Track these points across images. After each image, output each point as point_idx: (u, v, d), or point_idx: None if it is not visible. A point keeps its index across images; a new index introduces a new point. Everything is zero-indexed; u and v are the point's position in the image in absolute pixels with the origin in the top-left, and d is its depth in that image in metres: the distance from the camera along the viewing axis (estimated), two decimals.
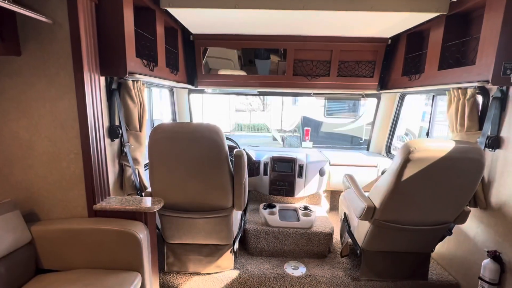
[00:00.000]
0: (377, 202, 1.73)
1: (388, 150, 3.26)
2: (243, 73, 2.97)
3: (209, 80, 2.90)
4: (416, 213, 1.71)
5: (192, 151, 1.69)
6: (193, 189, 1.79)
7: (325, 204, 3.18)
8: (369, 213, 1.76)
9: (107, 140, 1.76)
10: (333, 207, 3.32)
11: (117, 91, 1.79)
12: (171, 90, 3.05)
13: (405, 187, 1.59)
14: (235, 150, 1.81)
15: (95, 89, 1.52)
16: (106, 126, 1.74)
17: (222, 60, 3.14)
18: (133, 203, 1.59)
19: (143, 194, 1.93)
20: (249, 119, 20.59)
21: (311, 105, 8.09)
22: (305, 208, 2.71)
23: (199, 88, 2.97)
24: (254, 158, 2.98)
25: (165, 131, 1.68)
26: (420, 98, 6.11)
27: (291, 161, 2.83)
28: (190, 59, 2.76)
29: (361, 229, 1.94)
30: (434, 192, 1.61)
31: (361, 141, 8.22)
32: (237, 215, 2.14)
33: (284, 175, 2.83)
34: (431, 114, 2.40)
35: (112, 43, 1.57)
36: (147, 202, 1.62)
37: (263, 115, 19.69)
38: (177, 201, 1.84)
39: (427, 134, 2.46)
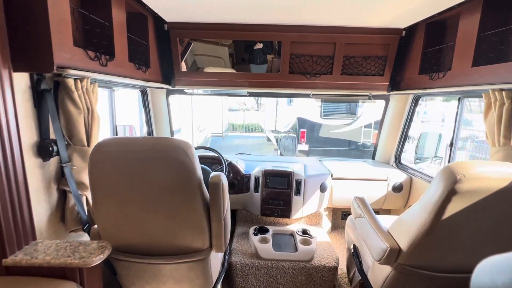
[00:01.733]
0: (403, 242, 1.29)
1: (398, 160, 2.84)
2: (231, 70, 2.51)
3: (189, 78, 2.43)
4: (459, 256, 1.27)
5: (151, 176, 1.22)
6: (155, 227, 1.32)
7: (327, 223, 2.74)
8: (391, 256, 1.32)
9: (35, 161, 1.28)
10: (336, 225, 2.88)
11: (50, 92, 1.31)
12: (143, 91, 2.57)
13: (446, 225, 1.15)
14: (211, 175, 1.34)
15: (1, 90, 1.04)
16: (31, 142, 1.26)
17: (211, 58, 2.67)
18: (63, 254, 1.11)
19: (89, 232, 1.45)
20: (243, 119, 20.13)
21: (306, 105, 7.66)
22: (304, 232, 2.26)
23: (177, 88, 2.49)
24: (243, 171, 2.52)
25: (111, 150, 1.21)
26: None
27: (287, 176, 2.38)
28: (165, 53, 2.28)
29: (378, 273, 1.50)
30: (490, 227, 1.18)
31: (359, 143, 7.83)
32: (217, 254, 1.68)
33: (278, 193, 2.38)
34: (456, 122, 1.98)
35: (29, 27, 1.09)
36: (85, 250, 1.14)
37: (257, 115, 19.27)
38: (134, 243, 1.37)
39: (451, 144, 2.04)
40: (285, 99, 9.48)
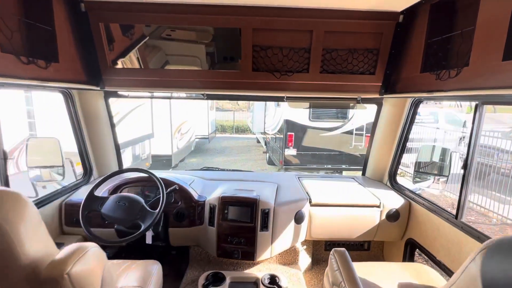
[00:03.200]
0: None
1: (392, 178, 2.31)
2: (181, 67, 1.93)
3: (124, 78, 1.85)
4: None
5: None
6: None
7: (305, 259, 2.20)
8: None
9: None
10: (317, 259, 2.34)
11: None
12: (67, 94, 1.97)
13: None
14: (49, 264, 0.78)
15: None
16: None
17: (185, 58, 2.08)
18: None
19: None
20: (233, 119, 19.54)
21: (294, 107, 7.12)
22: (272, 281, 1.72)
23: (108, 89, 1.91)
24: (196, 196, 1.95)
25: None
26: None
27: (250, 205, 1.82)
28: (85, 43, 1.70)
29: None
30: None
31: (350, 147, 7.35)
32: None
33: (239, 227, 1.82)
34: (472, 137, 1.45)
35: None
36: None
37: (248, 115, 18.71)
38: None
39: (465, 166, 1.52)
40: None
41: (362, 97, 2.09)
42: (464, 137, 8.02)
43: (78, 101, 2.07)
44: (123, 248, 2.11)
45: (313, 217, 1.99)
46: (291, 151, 7.32)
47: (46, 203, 1.82)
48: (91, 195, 1.63)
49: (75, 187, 2.08)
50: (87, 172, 2.25)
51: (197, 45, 2.04)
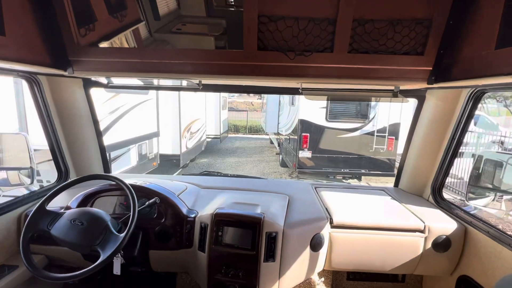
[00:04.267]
0: None
1: (437, 193, 1.80)
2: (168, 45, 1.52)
3: (95, 59, 1.46)
4: None
5: None
6: None
7: None
8: None
9: None
10: None
11: None
12: (33, 81, 1.62)
13: None
14: None
15: None
16: None
17: (195, 38, 1.69)
18: None
19: None
20: (247, 119, 19.15)
21: (310, 105, 6.63)
22: None
23: (78, 75, 1.53)
24: (185, 211, 1.54)
25: None
26: None
27: (252, 226, 1.39)
28: (45, 12, 1.33)
29: None
30: None
31: (370, 151, 6.76)
32: None
33: (237, 255, 1.39)
34: None
35: None
36: None
37: (261, 116, 18.26)
38: None
39: None
40: (287, 97, 8.47)
41: (402, 87, 1.61)
42: (502, 142, 7.22)
43: (49, 90, 1.71)
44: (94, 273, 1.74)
45: (334, 242, 1.53)
46: (305, 153, 6.83)
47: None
48: (40, 209, 1.25)
49: (43, 194, 1.73)
50: (62, 175, 1.89)
51: (207, 37, 1.66)
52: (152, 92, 5.62)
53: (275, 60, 1.38)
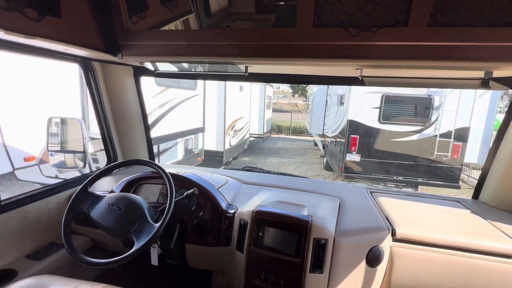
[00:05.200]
0: None
1: None
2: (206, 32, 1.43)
3: (142, 43, 1.44)
4: None
5: None
6: None
7: None
8: None
9: None
10: None
11: None
12: (87, 67, 1.67)
13: None
14: None
15: None
16: None
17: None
18: None
19: None
20: (290, 120, 18.83)
21: (361, 104, 6.14)
22: None
23: (126, 60, 1.53)
24: (224, 205, 1.43)
25: None
26: None
27: (298, 230, 1.21)
28: None
29: None
30: None
31: (431, 157, 5.99)
32: None
33: (279, 261, 1.22)
34: None
35: None
36: None
37: (305, 117, 17.77)
38: None
39: None
40: (335, 97, 8.03)
41: (496, 73, 1.27)
42: None
43: (102, 77, 1.76)
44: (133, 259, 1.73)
45: (396, 259, 1.27)
46: (353, 157, 6.34)
47: (52, 193, 1.53)
48: (82, 191, 1.24)
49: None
50: (111, 160, 1.95)
51: None
52: (200, 88, 5.77)
53: (333, 39, 1.18)
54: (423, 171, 6.17)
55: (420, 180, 6.19)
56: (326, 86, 9.80)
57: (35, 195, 1.46)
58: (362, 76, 1.48)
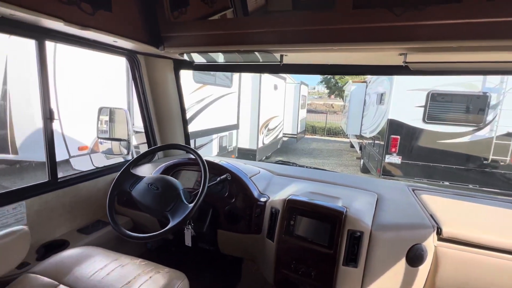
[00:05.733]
0: None
1: None
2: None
3: (183, 33, 1.50)
4: None
5: None
6: None
7: None
8: None
9: None
10: None
11: None
12: (133, 60, 1.80)
13: None
14: None
15: None
16: None
17: None
18: None
19: None
20: (325, 121, 18.31)
21: (404, 103, 5.75)
22: None
23: (168, 53, 1.61)
24: (256, 194, 1.43)
25: None
26: None
27: (331, 220, 1.16)
28: None
29: None
30: None
31: (485, 162, 5.40)
32: None
33: (311, 251, 1.18)
34: None
35: None
36: None
37: (341, 118, 17.14)
38: None
39: None
40: (374, 96, 7.63)
41: None
42: None
43: (145, 69, 1.88)
44: (168, 242, 1.82)
45: (442, 260, 1.15)
46: (393, 159, 5.95)
47: (100, 175, 1.67)
48: (126, 172, 1.34)
49: None
50: (151, 146, 2.07)
51: None
52: (235, 86, 5.89)
53: (374, 20, 1.12)
54: (474, 177, 5.57)
55: (471, 186, 5.60)
56: (365, 85, 9.37)
57: (86, 176, 1.61)
58: (406, 63, 1.38)
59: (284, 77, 9.42)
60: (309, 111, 17.59)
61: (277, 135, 9.27)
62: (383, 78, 6.74)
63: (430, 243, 1.15)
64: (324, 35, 1.21)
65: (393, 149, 5.90)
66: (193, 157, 1.51)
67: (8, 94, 2.98)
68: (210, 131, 5.08)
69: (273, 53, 1.44)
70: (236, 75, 5.96)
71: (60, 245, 1.37)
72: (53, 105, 1.40)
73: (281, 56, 1.54)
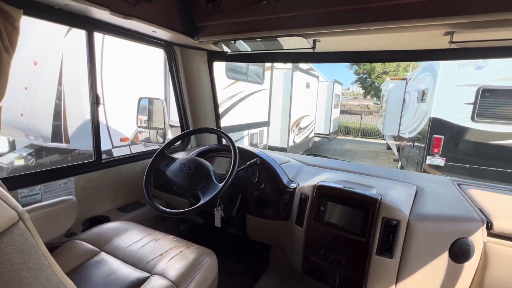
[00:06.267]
0: None
1: None
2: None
3: (217, 22, 1.54)
4: None
5: None
6: None
7: None
8: None
9: None
10: None
11: None
12: (169, 50, 1.88)
13: None
14: None
15: None
16: None
17: None
18: None
19: None
20: (360, 121, 17.57)
21: (450, 101, 5.31)
22: None
23: (202, 42, 1.66)
24: (285, 180, 1.42)
25: None
26: None
27: (364, 206, 1.11)
28: None
29: None
30: None
31: None
32: None
33: (341, 238, 1.14)
34: None
35: None
36: None
37: (376, 119, 16.31)
38: None
39: None
40: (415, 93, 7.15)
41: None
42: None
43: (180, 61, 1.96)
44: (199, 226, 1.87)
45: (492, 257, 1.04)
46: (436, 160, 5.51)
47: (138, 159, 1.79)
48: (161, 153, 1.41)
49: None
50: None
51: None
52: (267, 82, 5.90)
53: None
54: None
55: None
56: (404, 82, 8.81)
57: (125, 159, 1.73)
58: (453, 42, 1.26)
59: (316, 75, 9.22)
60: (342, 112, 17.03)
61: (308, 135, 9.10)
62: (426, 74, 6.30)
63: (478, 238, 1.04)
64: (360, 14, 1.16)
65: (436, 150, 5.46)
66: (224, 144, 1.55)
67: (63, 93, 3.31)
68: (241, 127, 5.15)
69: (306, 38, 1.41)
70: (267, 72, 5.97)
71: (103, 220, 1.49)
72: (99, 92, 1.52)
73: (314, 41, 1.50)
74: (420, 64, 8.30)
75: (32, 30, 3.17)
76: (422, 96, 6.40)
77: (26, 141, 3.77)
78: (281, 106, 6.74)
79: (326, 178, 1.38)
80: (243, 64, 5.18)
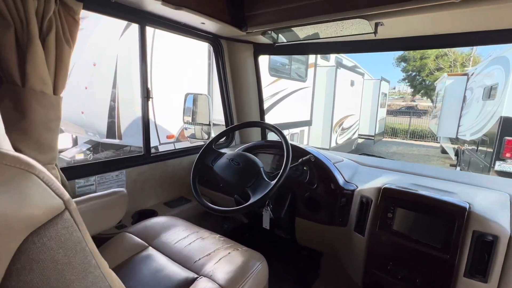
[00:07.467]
0: None
1: None
2: None
3: (265, 10, 1.45)
4: None
5: None
6: None
7: None
8: None
9: None
10: None
11: None
12: (216, 44, 1.84)
13: None
14: None
15: None
16: None
17: None
18: None
19: None
20: (409, 123, 16.18)
21: None
22: None
23: (250, 32, 1.58)
24: (341, 181, 1.27)
25: None
26: None
27: (448, 216, 0.91)
28: None
29: None
30: None
31: None
32: None
33: (416, 252, 0.95)
34: None
35: None
36: None
37: (427, 121, 14.84)
38: None
39: None
40: (479, 90, 6.32)
41: None
42: None
43: (227, 54, 1.91)
44: (244, 225, 1.80)
45: None
46: (507, 166, 4.76)
47: (185, 154, 1.78)
48: (208, 148, 1.35)
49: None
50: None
51: None
52: (309, 80, 5.68)
53: None
54: None
55: None
56: (465, 78, 7.84)
57: (173, 153, 1.73)
58: None
59: (362, 72, 8.69)
60: (389, 112, 15.88)
61: (352, 136, 8.60)
62: (495, 67, 5.51)
63: None
64: None
65: (508, 154, 4.71)
66: (269, 140, 1.44)
67: (117, 92, 3.54)
68: (282, 126, 5.03)
69: (368, 20, 1.24)
70: (310, 70, 5.75)
71: (151, 214, 1.49)
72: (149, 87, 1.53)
73: (376, 25, 1.32)
74: (485, 57, 7.28)
75: (92, 33, 3.44)
76: (490, 93, 5.60)
77: (85, 137, 4.12)
78: (324, 105, 6.44)
79: (390, 180, 1.19)
80: (286, 61, 5.04)
